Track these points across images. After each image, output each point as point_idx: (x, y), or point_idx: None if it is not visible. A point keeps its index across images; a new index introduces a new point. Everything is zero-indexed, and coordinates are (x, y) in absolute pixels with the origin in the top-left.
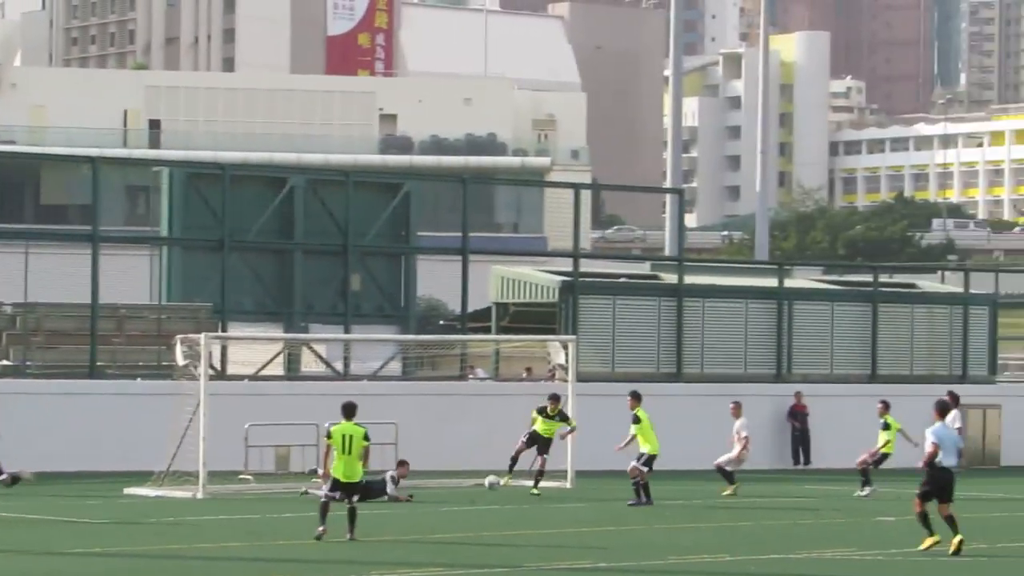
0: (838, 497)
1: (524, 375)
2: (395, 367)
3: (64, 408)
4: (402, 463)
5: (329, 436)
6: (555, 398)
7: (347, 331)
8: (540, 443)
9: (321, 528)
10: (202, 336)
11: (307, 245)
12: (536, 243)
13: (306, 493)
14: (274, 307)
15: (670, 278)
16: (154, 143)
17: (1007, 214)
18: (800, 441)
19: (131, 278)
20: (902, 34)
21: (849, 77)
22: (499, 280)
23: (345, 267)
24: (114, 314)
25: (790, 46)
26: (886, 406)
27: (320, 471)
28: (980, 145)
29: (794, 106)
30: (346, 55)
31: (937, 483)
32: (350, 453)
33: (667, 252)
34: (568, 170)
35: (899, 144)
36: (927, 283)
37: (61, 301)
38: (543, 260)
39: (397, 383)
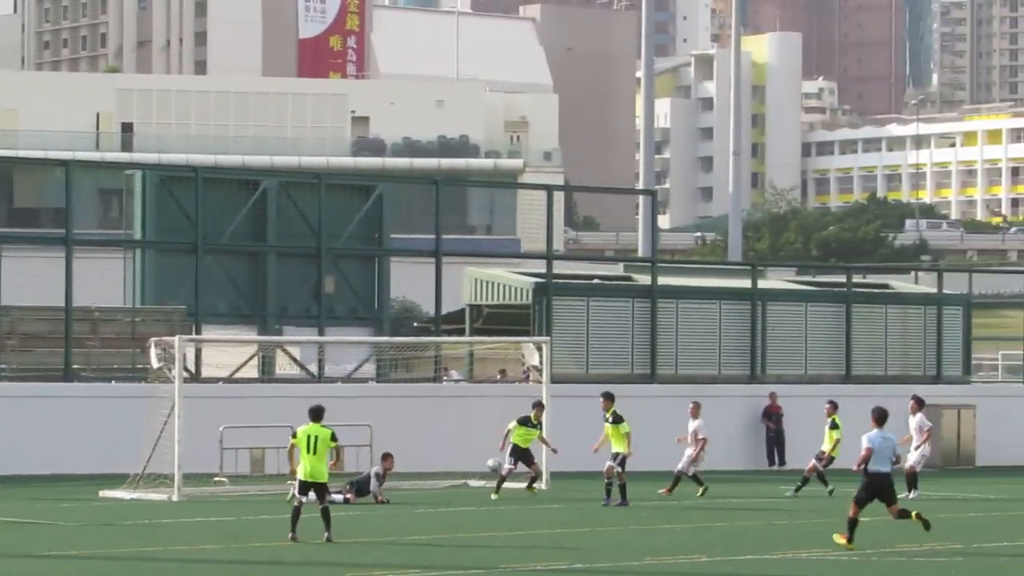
0: (813, 498)
1: (498, 377)
2: (369, 369)
3: (39, 411)
4: (386, 456)
5: (294, 436)
6: (540, 405)
7: (321, 333)
8: (524, 457)
9: (291, 535)
10: (176, 339)
11: (280, 248)
12: (509, 245)
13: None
14: (248, 310)
15: (643, 279)
16: (127, 146)
17: (980, 214)
18: (775, 442)
19: (105, 281)
20: (874, 35)
21: (821, 78)
22: (473, 282)
23: (318, 269)
24: (88, 317)
25: (762, 47)
26: (834, 406)
27: (291, 471)
28: (952, 145)
29: (766, 107)
30: (318, 58)
31: (874, 487)
32: (315, 453)
33: (640, 253)
34: (540, 172)
35: (871, 145)
36: (901, 284)
37: (35, 304)
38: (516, 262)
39: (371, 385)
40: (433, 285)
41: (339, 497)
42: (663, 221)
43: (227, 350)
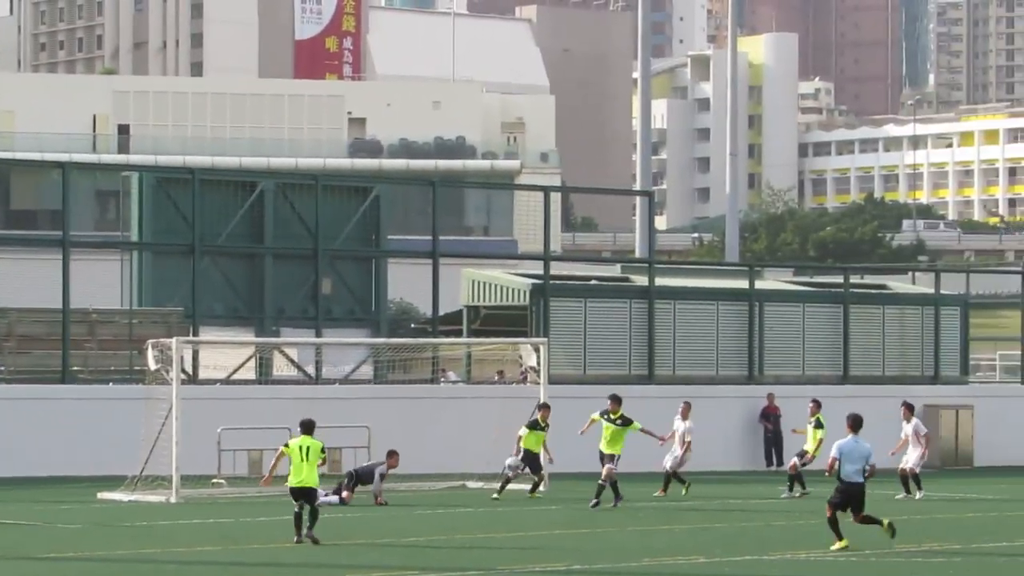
0: (810, 498)
1: (496, 378)
2: (367, 371)
3: (36, 413)
4: (392, 453)
5: (286, 446)
6: (546, 407)
7: (318, 335)
8: (533, 463)
9: (296, 539)
10: (174, 341)
11: (277, 249)
12: (506, 246)
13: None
14: (245, 311)
15: (641, 280)
16: (123, 148)
17: (977, 215)
18: (772, 443)
19: (102, 283)
20: (870, 35)
21: (817, 78)
22: (470, 283)
23: (316, 271)
24: (85, 319)
25: (758, 48)
26: (817, 405)
27: (266, 476)
28: (949, 146)
29: (763, 108)
30: (314, 59)
31: (846, 496)
32: (308, 460)
33: (637, 254)
34: (537, 173)
35: (868, 145)
36: (898, 284)
37: (32, 306)
38: (514, 263)
39: (369, 387)
40: (430, 286)
41: (334, 498)
42: (660, 222)
43: (224, 352)
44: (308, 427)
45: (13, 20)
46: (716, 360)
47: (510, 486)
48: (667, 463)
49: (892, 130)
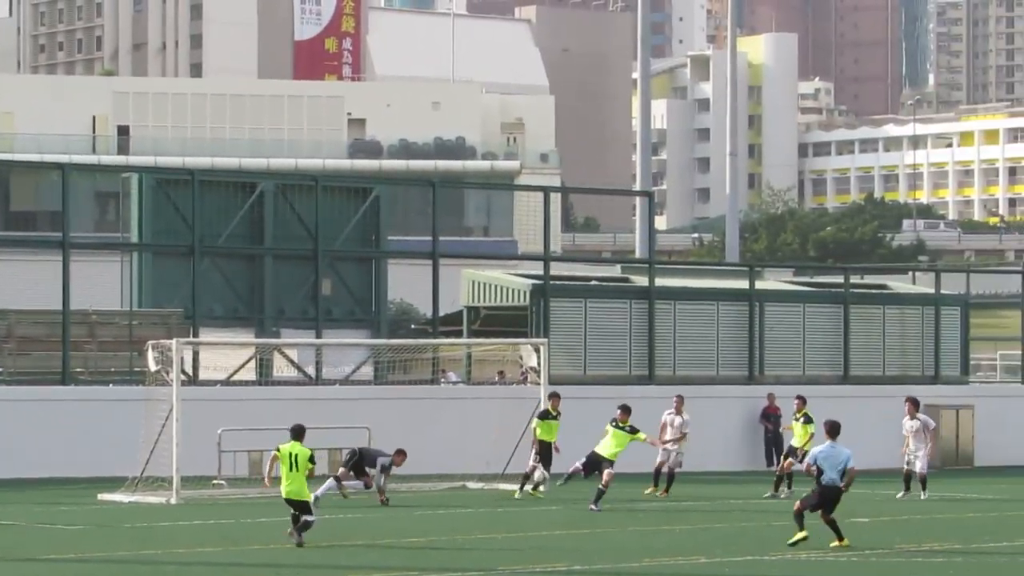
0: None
1: (496, 378)
2: (367, 371)
3: (36, 414)
4: (400, 451)
5: (278, 450)
6: (556, 396)
7: (318, 336)
8: (546, 455)
9: (289, 532)
10: (174, 342)
11: (277, 250)
12: (506, 246)
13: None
14: (245, 312)
15: (641, 280)
16: (123, 149)
17: (977, 214)
18: (773, 443)
19: (102, 284)
20: (870, 35)
21: (817, 78)
22: (470, 284)
23: (316, 272)
24: (85, 320)
25: (758, 48)
26: (803, 401)
27: (266, 480)
28: (949, 146)
29: (763, 108)
30: (313, 60)
31: (823, 498)
32: (296, 470)
33: (637, 254)
34: (537, 173)
35: (868, 145)
36: (898, 284)
37: (32, 307)
38: (513, 263)
39: (369, 387)
40: (430, 287)
41: (359, 483)
42: (660, 222)
43: (225, 353)
44: (297, 433)
45: (12, 21)
46: (716, 360)
47: (509, 486)
48: (667, 463)
49: (892, 130)
